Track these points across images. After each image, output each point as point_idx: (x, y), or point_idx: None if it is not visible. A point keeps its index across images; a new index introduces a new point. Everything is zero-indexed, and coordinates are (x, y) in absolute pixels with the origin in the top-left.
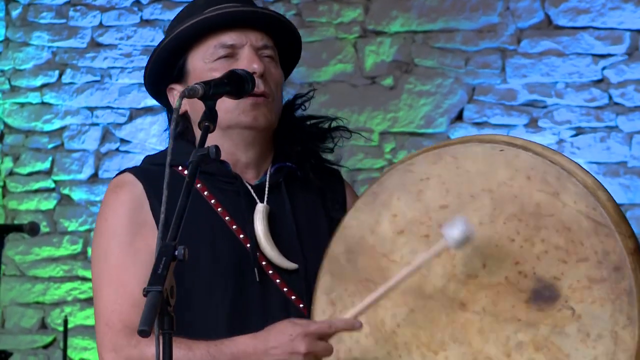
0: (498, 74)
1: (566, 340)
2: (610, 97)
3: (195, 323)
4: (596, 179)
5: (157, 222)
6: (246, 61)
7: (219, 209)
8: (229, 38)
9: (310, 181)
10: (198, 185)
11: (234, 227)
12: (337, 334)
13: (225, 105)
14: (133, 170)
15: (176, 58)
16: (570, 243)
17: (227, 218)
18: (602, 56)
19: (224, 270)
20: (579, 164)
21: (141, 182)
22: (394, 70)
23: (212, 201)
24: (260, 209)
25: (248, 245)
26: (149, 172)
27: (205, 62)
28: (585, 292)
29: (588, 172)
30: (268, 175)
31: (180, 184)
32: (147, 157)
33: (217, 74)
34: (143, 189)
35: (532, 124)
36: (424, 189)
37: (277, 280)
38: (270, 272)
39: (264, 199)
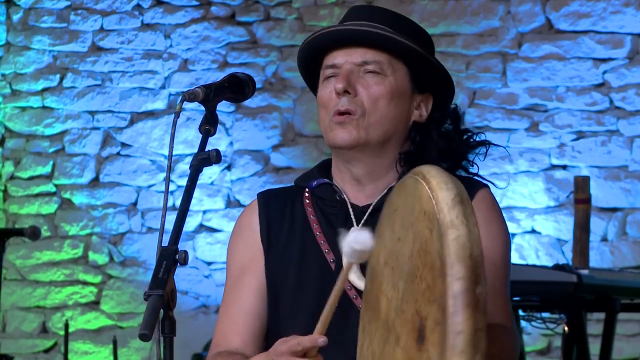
0: (499, 78)
1: None
2: (611, 101)
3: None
4: (461, 214)
5: (263, 246)
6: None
7: (318, 233)
8: (331, 58)
9: None
10: (308, 209)
11: (326, 250)
12: None
13: (320, 124)
14: (261, 194)
15: (313, 72)
16: (433, 282)
17: (321, 242)
18: (603, 60)
19: (307, 292)
20: (455, 198)
21: (260, 207)
22: None
23: (315, 225)
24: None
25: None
26: (274, 194)
27: (320, 82)
28: (433, 335)
29: (459, 205)
30: (379, 197)
31: (298, 203)
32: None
33: (323, 94)
34: (258, 215)
35: (533, 128)
36: (395, 220)
37: (360, 304)
38: (354, 296)
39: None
